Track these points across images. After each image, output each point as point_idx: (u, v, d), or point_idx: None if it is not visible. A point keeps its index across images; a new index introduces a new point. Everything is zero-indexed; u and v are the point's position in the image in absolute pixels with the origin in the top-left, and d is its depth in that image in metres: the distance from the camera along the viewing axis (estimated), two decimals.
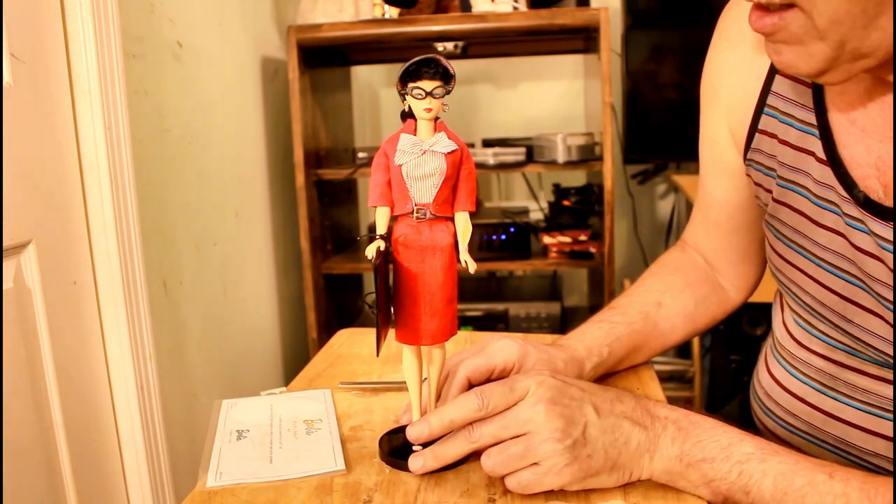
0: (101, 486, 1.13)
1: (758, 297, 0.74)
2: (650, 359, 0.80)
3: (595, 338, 0.73)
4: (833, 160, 0.58)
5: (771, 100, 0.64)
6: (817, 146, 0.60)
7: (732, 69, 0.68)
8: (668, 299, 0.79)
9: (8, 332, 0.93)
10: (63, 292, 1.05)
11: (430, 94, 0.53)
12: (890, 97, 0.56)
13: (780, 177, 0.64)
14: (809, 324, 0.67)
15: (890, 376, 0.61)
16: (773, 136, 0.64)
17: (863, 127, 0.57)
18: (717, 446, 0.54)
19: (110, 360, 1.15)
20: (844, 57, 0.49)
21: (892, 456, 0.61)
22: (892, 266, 0.55)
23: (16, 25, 0.95)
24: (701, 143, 0.77)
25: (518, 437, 0.54)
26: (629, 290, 0.81)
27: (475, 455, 0.62)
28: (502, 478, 0.55)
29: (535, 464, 0.53)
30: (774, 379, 0.73)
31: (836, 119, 0.59)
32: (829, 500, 0.50)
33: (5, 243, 0.92)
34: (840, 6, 0.46)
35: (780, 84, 0.63)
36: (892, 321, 0.57)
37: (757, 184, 0.69)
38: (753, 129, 0.66)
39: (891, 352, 0.58)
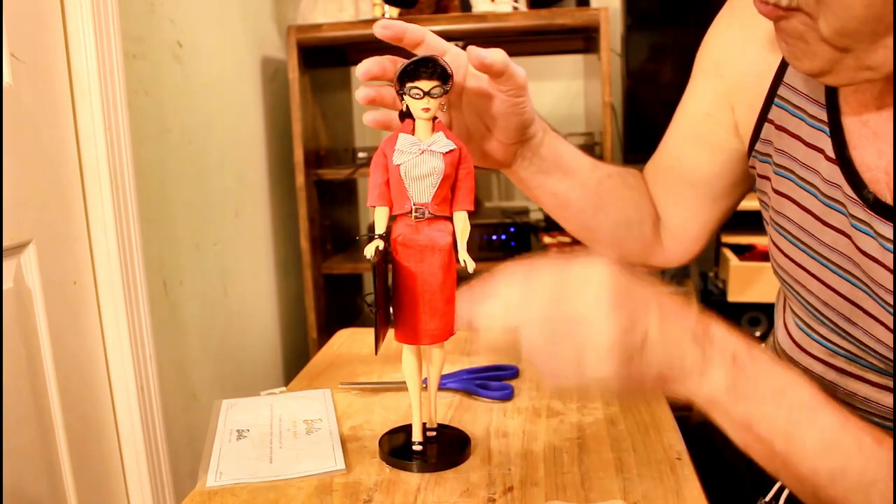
0: (101, 486, 1.13)
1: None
2: (555, 191, 0.73)
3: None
4: (843, 160, 0.58)
5: (783, 91, 0.63)
6: (827, 144, 0.59)
7: (742, 51, 0.67)
8: (616, 184, 0.76)
9: (8, 332, 0.93)
10: (63, 292, 1.05)
11: (427, 93, 0.53)
12: None
13: (791, 172, 0.64)
14: (811, 327, 0.67)
15: (890, 384, 0.61)
16: (783, 129, 0.64)
17: (875, 129, 0.57)
18: (771, 386, 0.50)
19: (110, 360, 1.15)
20: (848, 62, 0.49)
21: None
22: (892, 268, 0.55)
23: (16, 25, 0.95)
24: (684, 111, 0.76)
25: (570, 346, 0.48)
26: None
27: (475, 455, 0.62)
28: None
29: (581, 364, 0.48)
30: None
31: (849, 119, 0.58)
32: (873, 466, 0.47)
33: (5, 243, 0.92)
34: (848, 23, 0.46)
35: (792, 76, 0.63)
36: (893, 326, 0.56)
37: (762, 176, 0.68)
38: (762, 118, 0.66)
39: (891, 356, 0.58)
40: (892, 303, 0.55)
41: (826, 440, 0.48)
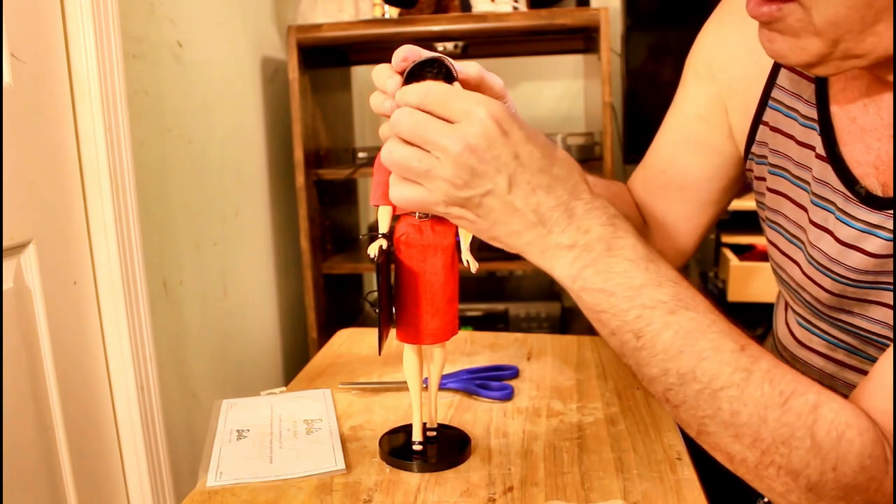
0: (101, 486, 1.13)
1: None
2: None
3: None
4: (833, 157, 0.58)
5: (776, 93, 0.64)
6: (817, 142, 0.60)
7: (735, 55, 0.68)
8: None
9: (8, 332, 0.93)
10: (63, 292, 1.05)
11: None
12: (889, 97, 0.56)
13: (786, 170, 0.64)
14: (810, 322, 0.68)
15: None
16: (777, 129, 0.64)
17: (862, 125, 0.57)
18: (626, 283, 0.48)
19: (110, 360, 1.15)
20: (836, 54, 0.49)
21: None
22: (877, 253, 0.55)
23: (16, 25, 0.95)
24: (677, 114, 0.76)
25: (425, 153, 0.48)
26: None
27: (475, 455, 0.62)
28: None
29: (423, 186, 0.49)
30: None
31: (838, 116, 0.59)
32: (726, 371, 0.46)
33: (5, 243, 0.92)
34: (840, 10, 0.47)
35: (784, 77, 0.63)
36: (885, 300, 0.57)
37: (758, 177, 0.69)
38: (757, 121, 0.66)
39: (889, 335, 0.58)
40: (880, 281, 0.56)
41: (679, 342, 0.47)
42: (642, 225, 0.81)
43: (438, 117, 0.48)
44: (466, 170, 0.47)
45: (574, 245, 0.49)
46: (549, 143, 0.50)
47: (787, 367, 0.48)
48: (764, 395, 0.46)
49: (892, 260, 0.56)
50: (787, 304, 0.73)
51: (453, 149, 0.46)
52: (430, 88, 0.49)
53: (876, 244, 0.55)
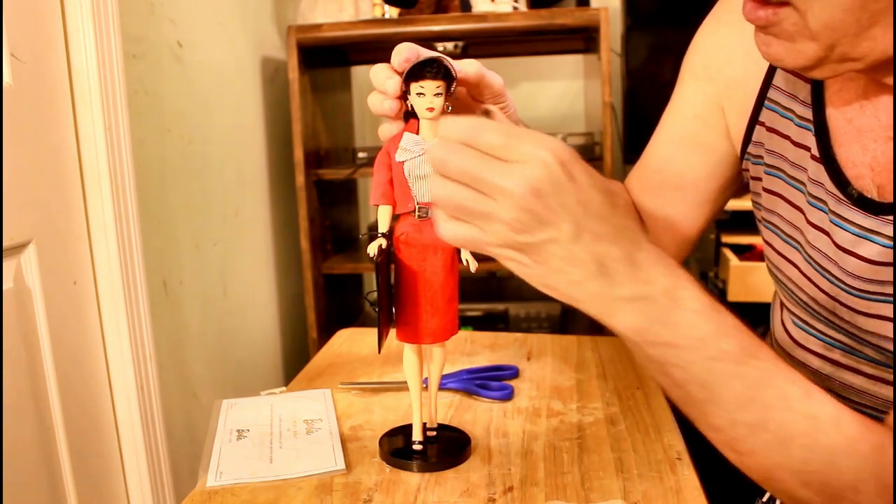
0: (101, 486, 1.13)
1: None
2: None
3: None
4: (827, 158, 0.59)
5: (772, 93, 0.64)
6: (813, 143, 0.60)
7: (732, 55, 0.68)
8: None
9: (8, 332, 0.93)
10: (63, 292, 1.05)
11: (432, 93, 0.53)
12: (886, 98, 0.56)
13: (782, 171, 0.64)
14: (806, 322, 0.68)
15: (885, 376, 0.61)
16: (773, 130, 0.64)
17: (858, 126, 0.58)
18: (692, 335, 0.46)
19: (110, 360, 1.15)
20: (832, 58, 0.50)
21: None
22: (873, 259, 0.55)
23: (16, 25, 0.95)
24: (674, 113, 0.76)
25: (482, 194, 0.44)
26: None
27: (475, 455, 0.62)
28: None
29: (478, 227, 0.46)
30: None
31: (834, 117, 0.59)
32: (795, 419, 0.46)
33: (5, 243, 0.92)
34: (835, 14, 0.47)
35: (780, 78, 0.64)
36: (882, 314, 0.57)
37: (754, 178, 0.69)
38: (753, 121, 0.66)
39: (886, 345, 0.58)
40: (876, 291, 0.56)
41: (748, 392, 0.46)
42: (639, 224, 0.81)
43: (491, 155, 0.44)
44: (530, 215, 0.43)
45: (637, 298, 0.46)
46: (608, 187, 0.48)
47: (850, 410, 0.47)
48: (832, 441, 0.45)
49: (889, 268, 0.55)
50: (782, 304, 0.73)
51: (516, 191, 0.43)
52: (481, 124, 0.45)
53: (873, 250, 0.55)
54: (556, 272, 0.45)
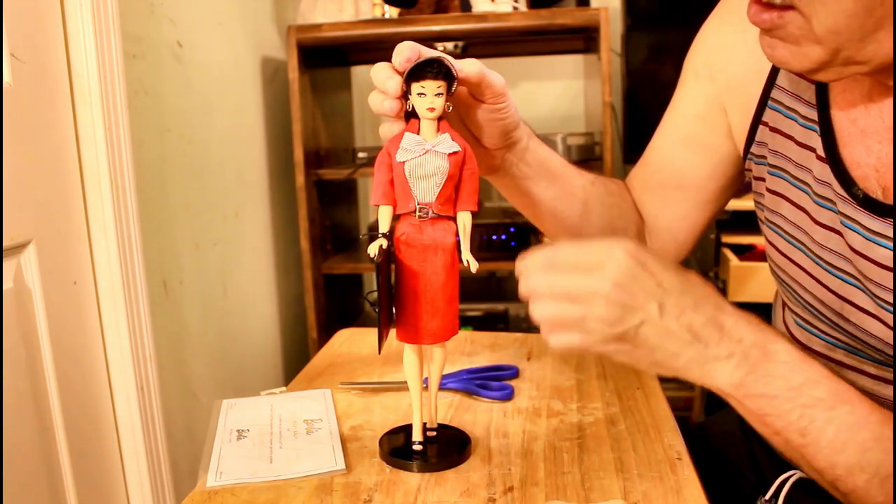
0: (101, 486, 1.13)
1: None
2: (542, 200, 0.73)
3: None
4: (832, 158, 0.58)
5: (775, 93, 0.64)
6: (818, 143, 0.60)
7: (735, 55, 0.68)
8: (599, 191, 0.76)
9: (8, 332, 0.92)
10: (63, 292, 1.05)
11: (433, 93, 0.53)
12: (891, 100, 0.56)
13: (785, 171, 0.64)
14: (809, 323, 0.67)
15: (889, 376, 0.61)
16: (777, 130, 0.64)
17: (863, 128, 0.57)
18: (786, 385, 0.50)
19: (110, 360, 1.15)
20: (837, 61, 0.50)
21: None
22: (883, 263, 0.55)
23: (16, 25, 0.95)
24: (675, 113, 0.76)
25: (575, 301, 0.51)
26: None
27: (475, 455, 0.62)
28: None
29: (579, 330, 0.52)
30: None
31: (838, 117, 0.59)
32: (890, 459, 0.48)
33: (5, 243, 0.92)
34: (840, 18, 0.47)
35: (783, 78, 0.63)
36: (888, 321, 0.57)
37: (757, 178, 0.69)
38: (757, 121, 0.66)
39: (889, 351, 0.58)
40: (883, 297, 0.56)
41: (842, 436, 0.49)
42: (640, 223, 0.81)
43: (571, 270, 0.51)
44: (619, 306, 0.50)
45: (732, 355, 0.51)
46: (680, 266, 0.54)
47: None
48: None
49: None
50: (784, 304, 0.73)
51: (601, 290, 0.50)
52: (555, 254, 0.52)
53: (880, 254, 0.55)
54: (657, 349, 0.51)
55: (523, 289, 0.53)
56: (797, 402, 0.50)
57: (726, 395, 0.52)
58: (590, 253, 0.52)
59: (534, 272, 0.53)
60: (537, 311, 0.52)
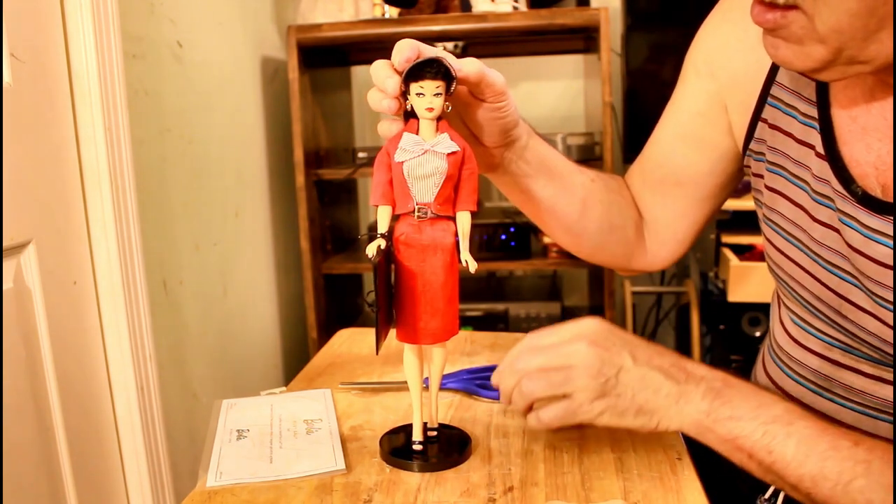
0: (101, 486, 1.13)
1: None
2: (545, 199, 0.74)
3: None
4: (832, 155, 0.59)
5: (775, 90, 0.64)
6: (817, 140, 0.60)
7: (735, 52, 0.68)
8: (599, 188, 0.77)
9: (8, 332, 0.93)
10: (63, 292, 1.05)
11: (432, 93, 0.53)
12: (892, 98, 0.56)
13: (784, 168, 0.64)
14: (806, 321, 0.68)
15: (885, 375, 0.61)
16: (776, 127, 0.64)
17: (863, 125, 0.58)
18: (747, 406, 0.55)
19: (110, 360, 1.15)
20: (841, 60, 0.50)
21: None
22: (881, 261, 0.55)
23: (16, 25, 0.95)
24: (675, 110, 0.76)
25: (559, 368, 0.57)
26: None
27: (475, 455, 0.62)
28: (527, 411, 0.59)
29: (567, 398, 0.57)
30: (771, 379, 0.73)
31: (839, 115, 0.59)
32: (849, 466, 0.51)
33: (5, 243, 0.92)
34: (843, 18, 0.47)
35: (784, 75, 0.63)
36: (885, 319, 0.57)
37: (756, 174, 0.69)
38: (756, 118, 0.66)
39: (886, 349, 0.58)
40: (881, 294, 0.56)
41: (803, 448, 0.53)
42: (638, 219, 0.81)
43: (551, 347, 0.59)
44: (597, 358, 0.56)
45: (699, 386, 0.57)
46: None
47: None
48: (886, 478, 0.50)
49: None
50: (782, 302, 0.73)
51: (581, 349, 0.57)
52: (537, 339, 0.60)
53: (879, 251, 0.55)
54: (638, 392, 0.57)
55: (513, 377, 0.59)
56: (759, 421, 0.54)
57: (700, 427, 0.56)
58: (565, 328, 0.59)
59: (520, 358, 0.59)
60: (528, 388, 0.57)
